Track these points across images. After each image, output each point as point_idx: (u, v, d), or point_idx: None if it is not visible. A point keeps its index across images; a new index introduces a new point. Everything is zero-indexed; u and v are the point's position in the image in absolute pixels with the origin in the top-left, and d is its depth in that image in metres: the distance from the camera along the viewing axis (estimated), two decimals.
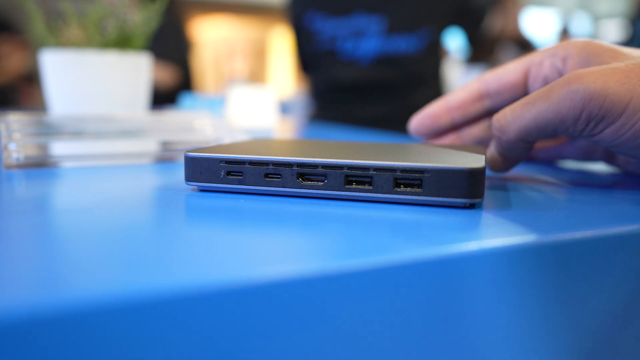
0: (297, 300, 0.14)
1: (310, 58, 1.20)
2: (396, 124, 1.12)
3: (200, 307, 0.13)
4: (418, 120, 0.33)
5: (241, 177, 0.23)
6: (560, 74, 0.27)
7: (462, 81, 2.07)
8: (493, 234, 0.17)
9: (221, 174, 0.23)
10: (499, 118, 0.25)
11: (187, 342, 0.13)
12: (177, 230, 0.18)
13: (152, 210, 0.21)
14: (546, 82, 0.28)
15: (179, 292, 0.13)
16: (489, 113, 0.32)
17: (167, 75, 1.70)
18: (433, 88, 1.18)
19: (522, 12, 2.18)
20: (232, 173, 0.23)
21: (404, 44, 1.11)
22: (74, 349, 0.12)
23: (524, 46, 2.03)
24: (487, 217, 0.20)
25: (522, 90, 0.29)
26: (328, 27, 1.13)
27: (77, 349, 0.12)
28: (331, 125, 0.97)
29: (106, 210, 0.21)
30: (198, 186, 0.24)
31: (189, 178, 0.24)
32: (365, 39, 1.11)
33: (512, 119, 0.24)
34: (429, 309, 0.16)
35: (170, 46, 1.71)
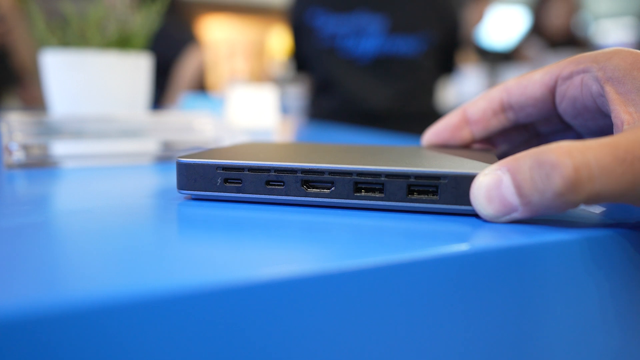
0: (296, 301, 0.14)
1: (309, 56, 1.20)
2: (391, 119, 1.14)
3: (199, 307, 0.13)
4: (434, 132, 0.29)
5: (240, 185, 0.21)
6: (593, 97, 0.23)
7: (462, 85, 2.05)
8: (501, 238, 0.17)
9: (217, 181, 0.22)
10: (572, 167, 0.17)
11: (186, 342, 0.13)
12: (176, 231, 0.18)
13: (152, 211, 0.21)
14: (575, 104, 0.24)
15: (177, 292, 0.13)
16: (514, 126, 0.28)
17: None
18: (427, 97, 1.18)
19: (576, 8, 2.11)
20: (229, 180, 0.21)
21: (404, 45, 1.11)
22: (74, 349, 0.12)
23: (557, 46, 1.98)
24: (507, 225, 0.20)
25: (549, 107, 0.25)
26: (329, 24, 1.14)
27: (77, 349, 0.12)
28: (331, 125, 0.97)
29: (106, 210, 0.21)
30: (192, 195, 0.22)
31: (181, 186, 0.22)
32: (366, 37, 1.12)
33: (599, 174, 0.17)
34: (442, 308, 0.16)
35: (175, 50, 1.68)
